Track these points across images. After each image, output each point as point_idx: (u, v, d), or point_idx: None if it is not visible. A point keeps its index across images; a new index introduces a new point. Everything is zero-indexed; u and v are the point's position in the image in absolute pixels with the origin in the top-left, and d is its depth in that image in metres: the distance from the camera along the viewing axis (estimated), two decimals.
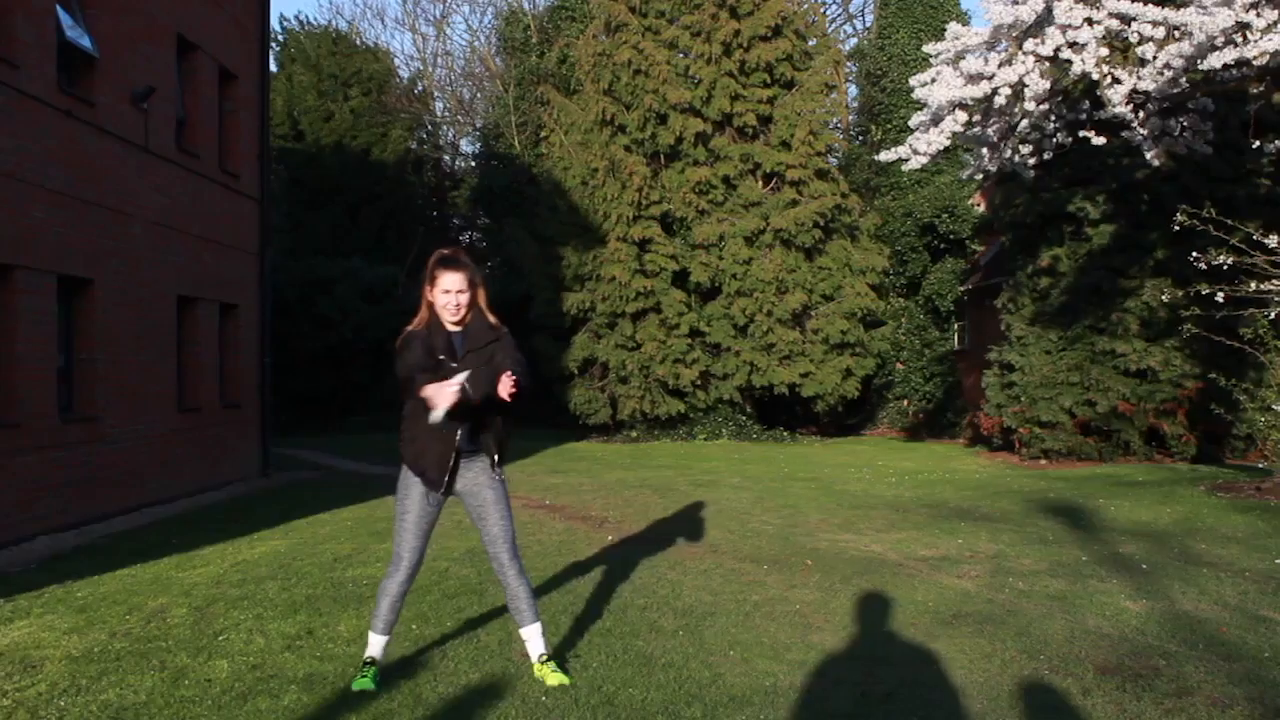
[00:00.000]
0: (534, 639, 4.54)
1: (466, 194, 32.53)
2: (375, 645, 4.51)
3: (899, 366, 25.07)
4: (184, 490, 11.85)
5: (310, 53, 30.67)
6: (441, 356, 4.35)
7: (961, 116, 10.46)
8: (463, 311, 4.41)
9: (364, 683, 4.39)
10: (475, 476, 4.49)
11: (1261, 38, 8.50)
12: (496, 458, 4.49)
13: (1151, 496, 11.18)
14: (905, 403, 25.37)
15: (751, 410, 23.10)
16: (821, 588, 6.45)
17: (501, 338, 4.46)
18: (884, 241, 24.34)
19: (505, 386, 4.20)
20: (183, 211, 11.95)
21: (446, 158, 36.12)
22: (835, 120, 25.62)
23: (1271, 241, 10.86)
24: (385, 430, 25.92)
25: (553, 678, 4.45)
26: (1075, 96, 11.09)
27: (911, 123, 11.15)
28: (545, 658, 4.54)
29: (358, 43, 32.79)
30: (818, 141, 21.92)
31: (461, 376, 4.19)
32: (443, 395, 4.12)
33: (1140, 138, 10.35)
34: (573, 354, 22.33)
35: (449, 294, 4.37)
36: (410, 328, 4.47)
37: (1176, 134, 10.54)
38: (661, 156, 22.46)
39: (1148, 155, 10.55)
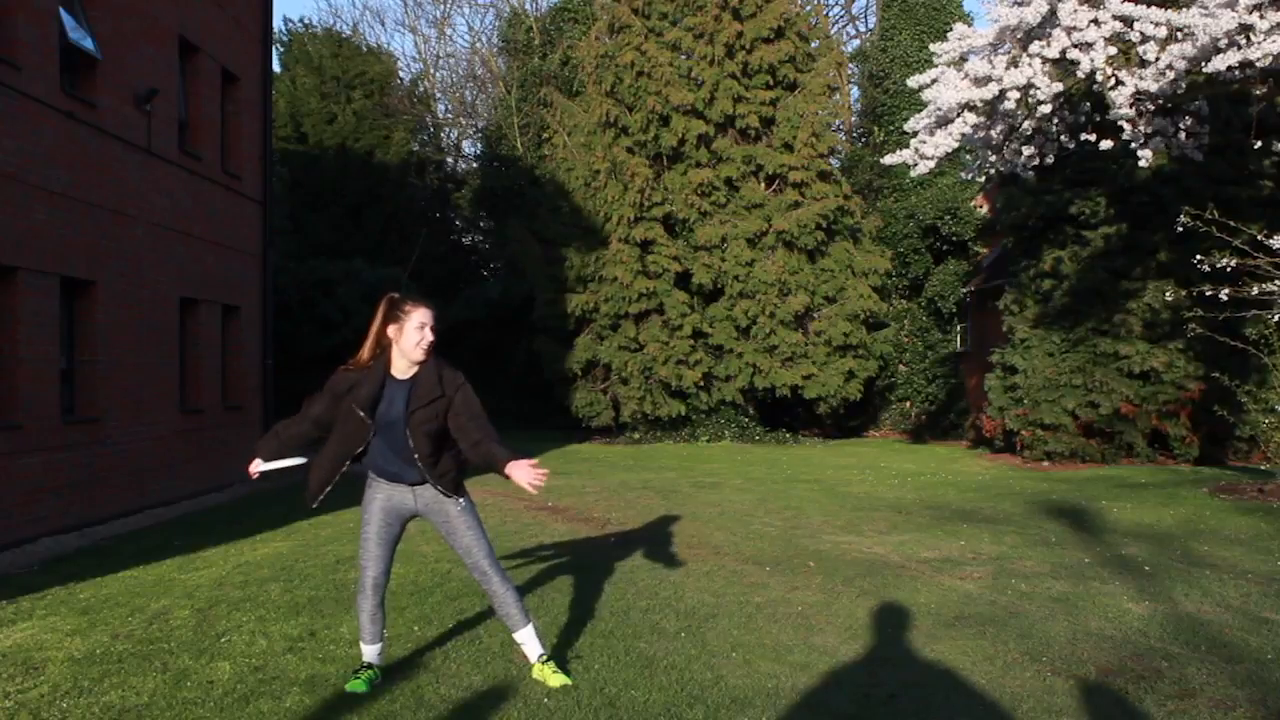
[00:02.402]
0: (530, 641, 4.54)
1: (469, 195, 32.54)
2: (369, 654, 4.55)
3: (901, 368, 25.06)
4: (186, 492, 11.86)
5: (313, 55, 30.69)
6: (361, 412, 4.35)
7: (971, 119, 10.44)
8: (429, 349, 4.37)
9: (357, 684, 4.40)
10: (434, 497, 4.48)
11: (1265, 39, 8.48)
12: (447, 487, 4.44)
13: (1154, 498, 11.16)
14: (908, 404, 25.35)
15: (754, 412, 23.08)
16: (824, 590, 6.45)
17: (452, 395, 4.37)
18: (886, 243, 24.33)
19: (529, 476, 4.15)
20: (185, 213, 11.96)
21: (449, 159, 36.12)
22: (838, 122, 25.62)
23: (1275, 243, 10.85)
24: None
25: (554, 678, 4.44)
26: (1077, 99, 11.08)
27: (908, 126, 11.12)
28: (545, 658, 4.54)
29: (360, 45, 32.81)
30: (820, 143, 21.91)
31: (270, 466, 4.65)
32: (252, 468, 4.67)
33: (1135, 136, 10.33)
34: (575, 356, 22.34)
35: (423, 329, 4.33)
36: (346, 368, 4.44)
37: (1171, 135, 10.52)
38: (664, 158, 22.46)
39: (1139, 156, 10.54)
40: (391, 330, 4.36)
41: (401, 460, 4.40)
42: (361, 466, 4.56)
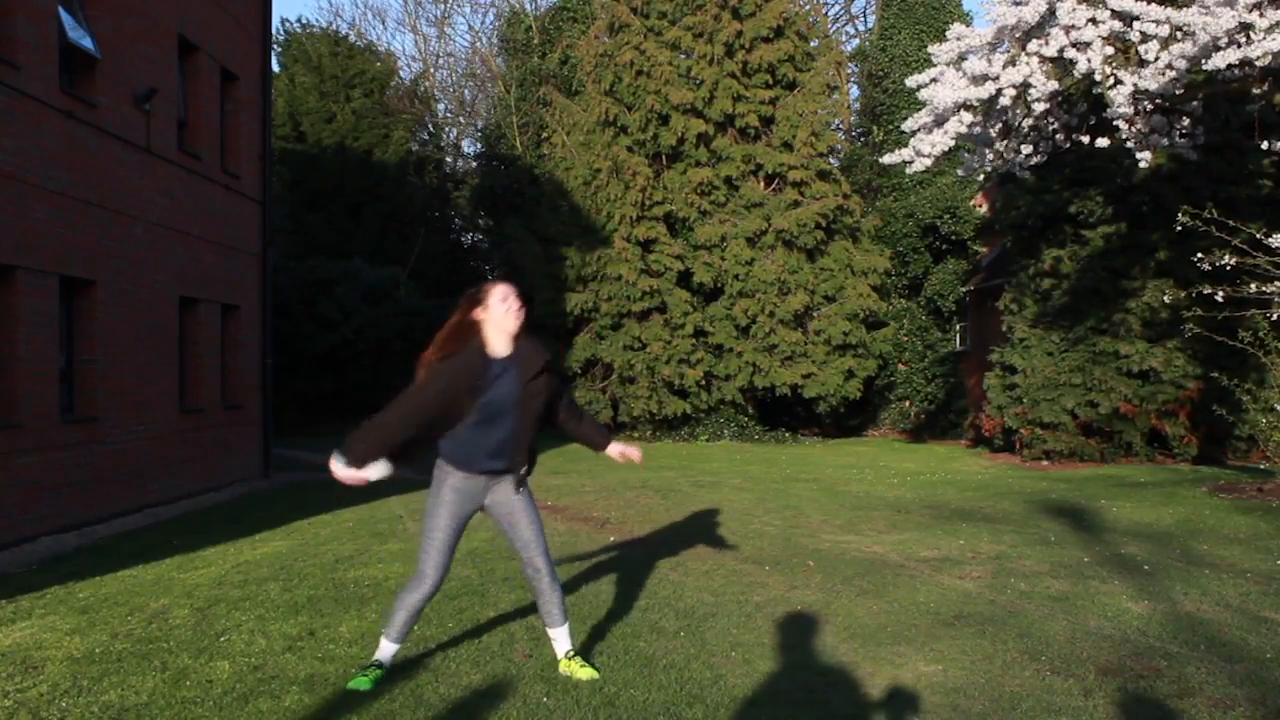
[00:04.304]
0: (563, 638, 4.62)
1: (468, 195, 32.53)
2: (386, 651, 4.52)
3: (901, 367, 25.07)
4: (185, 491, 11.86)
5: (312, 54, 30.68)
6: (471, 397, 4.29)
7: (967, 117, 10.44)
8: (521, 319, 4.38)
9: (361, 682, 4.39)
10: (507, 490, 4.52)
11: (1265, 37, 8.48)
12: (523, 477, 4.51)
13: (1153, 497, 11.16)
14: (907, 404, 25.36)
15: (754, 411, 23.09)
16: (823, 589, 6.45)
17: (547, 367, 4.41)
18: (885, 242, 24.34)
19: (633, 455, 4.75)
20: (184, 212, 11.96)
21: (448, 159, 36.11)
22: (837, 121, 25.62)
23: (1274, 242, 10.85)
24: None
25: (583, 671, 4.52)
26: (1075, 98, 11.08)
27: (906, 126, 11.13)
28: (572, 653, 4.61)
29: (359, 44, 32.81)
30: (819, 142, 21.92)
31: (369, 475, 4.34)
32: (349, 478, 4.36)
33: (1132, 136, 10.33)
34: (574, 355, 22.34)
35: (507, 299, 4.34)
36: (441, 355, 4.33)
37: (1165, 133, 10.52)
38: (663, 157, 22.47)
39: (1138, 157, 10.55)
40: (478, 312, 4.35)
41: (501, 446, 4.35)
42: (420, 464, 4.51)
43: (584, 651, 4.94)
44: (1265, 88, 10.11)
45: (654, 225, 21.67)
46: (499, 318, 4.33)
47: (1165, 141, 10.57)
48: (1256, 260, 11.05)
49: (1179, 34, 9.05)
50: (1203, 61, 8.97)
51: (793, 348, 21.35)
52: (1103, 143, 10.74)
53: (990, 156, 11.33)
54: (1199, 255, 11.61)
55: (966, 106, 10.46)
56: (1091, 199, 16.23)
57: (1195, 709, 4.17)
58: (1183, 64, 8.98)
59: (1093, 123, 11.16)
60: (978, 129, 10.79)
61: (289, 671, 4.68)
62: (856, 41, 33.80)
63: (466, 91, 37.20)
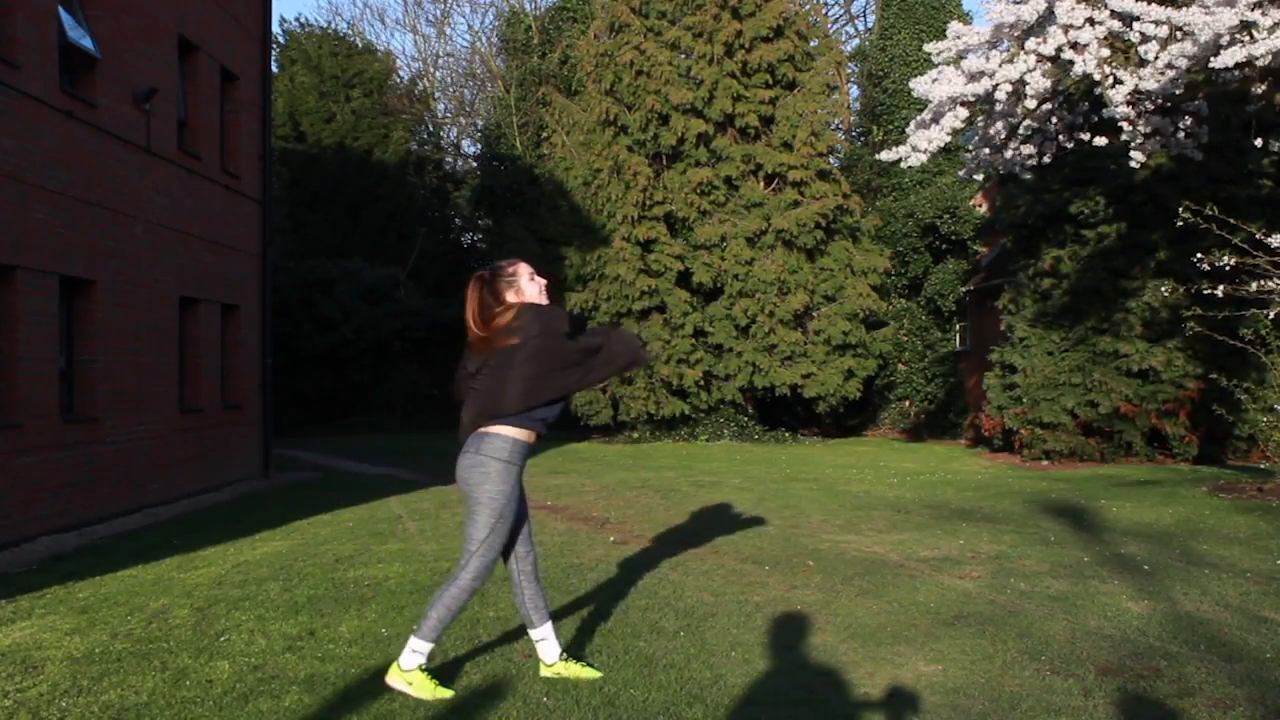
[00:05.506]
0: (550, 639, 4.55)
1: (468, 195, 32.53)
2: (425, 652, 4.32)
3: (901, 367, 25.06)
4: (185, 491, 11.86)
5: (311, 54, 30.70)
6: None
7: (962, 113, 10.46)
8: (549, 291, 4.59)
9: (442, 691, 4.27)
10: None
11: (1269, 36, 8.47)
12: None
13: (1153, 497, 11.16)
14: (907, 404, 25.36)
15: (753, 411, 23.09)
16: (823, 588, 6.45)
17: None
18: (885, 242, 24.34)
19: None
20: (184, 212, 11.96)
21: (448, 159, 36.12)
22: (837, 121, 25.63)
23: (1274, 242, 10.84)
24: (386, 431, 25.95)
25: (586, 672, 4.49)
26: (1075, 97, 11.09)
27: (910, 128, 11.17)
28: (567, 656, 4.57)
29: (359, 44, 32.81)
30: (819, 142, 21.92)
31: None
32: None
33: (1133, 135, 10.33)
34: None
35: (534, 277, 4.53)
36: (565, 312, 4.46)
37: (1170, 134, 10.52)
38: (663, 157, 22.47)
39: (1131, 156, 10.55)
40: (511, 295, 4.44)
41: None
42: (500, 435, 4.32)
43: (584, 652, 4.94)
44: (1265, 87, 10.12)
45: (654, 225, 21.67)
46: (533, 296, 4.47)
47: (1162, 144, 10.57)
48: (1257, 260, 11.05)
49: (1179, 34, 9.05)
50: (1209, 60, 8.97)
51: (792, 348, 21.35)
52: (1100, 141, 10.74)
53: (988, 153, 11.34)
54: (1199, 255, 11.61)
55: (963, 103, 10.48)
56: (1091, 199, 16.23)
57: (1195, 709, 4.17)
58: (1183, 63, 8.98)
59: (1094, 121, 11.18)
60: (980, 130, 10.81)
61: (289, 671, 4.68)
62: (856, 41, 33.82)
63: (466, 91, 37.24)
